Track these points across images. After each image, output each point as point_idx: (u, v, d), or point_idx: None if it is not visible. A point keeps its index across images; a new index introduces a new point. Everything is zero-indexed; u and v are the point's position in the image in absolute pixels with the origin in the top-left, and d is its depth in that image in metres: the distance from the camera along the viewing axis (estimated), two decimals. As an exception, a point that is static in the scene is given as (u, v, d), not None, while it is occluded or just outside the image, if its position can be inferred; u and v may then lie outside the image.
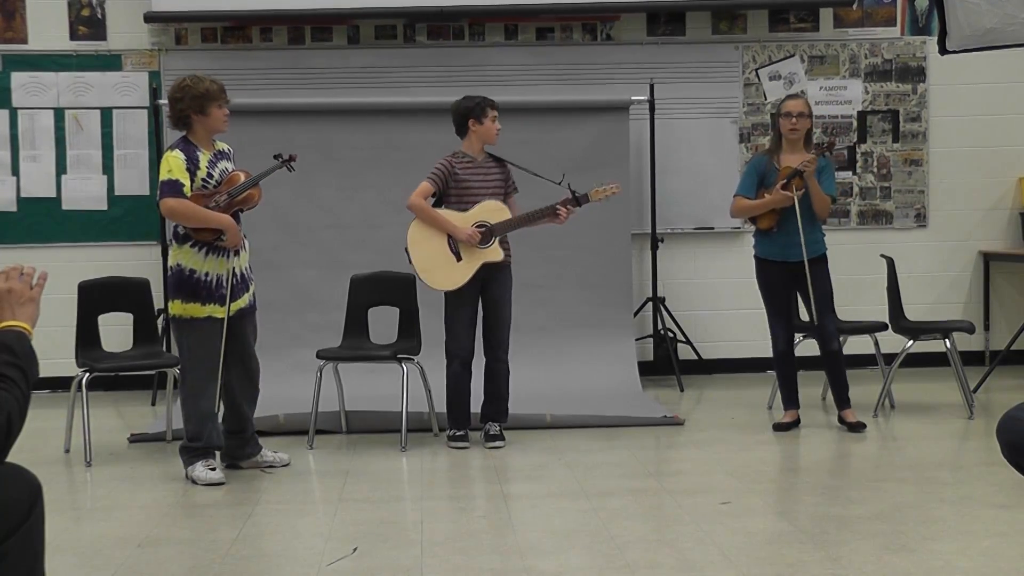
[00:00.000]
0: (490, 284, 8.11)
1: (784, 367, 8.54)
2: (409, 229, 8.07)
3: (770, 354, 8.49)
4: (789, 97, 8.56)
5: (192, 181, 7.08)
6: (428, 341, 8.55)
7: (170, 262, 7.24)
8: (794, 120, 8.24)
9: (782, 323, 8.46)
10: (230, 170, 7.30)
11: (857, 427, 8.29)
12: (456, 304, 8.11)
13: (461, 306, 8.10)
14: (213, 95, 7.20)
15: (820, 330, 8.37)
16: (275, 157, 7.56)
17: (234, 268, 7.22)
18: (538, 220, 8.11)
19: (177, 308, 7.17)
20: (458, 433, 8.19)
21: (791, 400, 8.55)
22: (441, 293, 8.15)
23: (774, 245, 8.33)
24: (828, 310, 8.37)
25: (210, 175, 7.16)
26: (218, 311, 7.17)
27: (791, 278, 8.32)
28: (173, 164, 7.06)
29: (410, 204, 8.04)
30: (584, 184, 8.23)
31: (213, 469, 7.18)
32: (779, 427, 8.45)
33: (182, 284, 7.13)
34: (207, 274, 7.13)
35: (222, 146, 7.40)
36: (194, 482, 7.12)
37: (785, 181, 8.12)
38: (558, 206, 8.06)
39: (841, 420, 8.40)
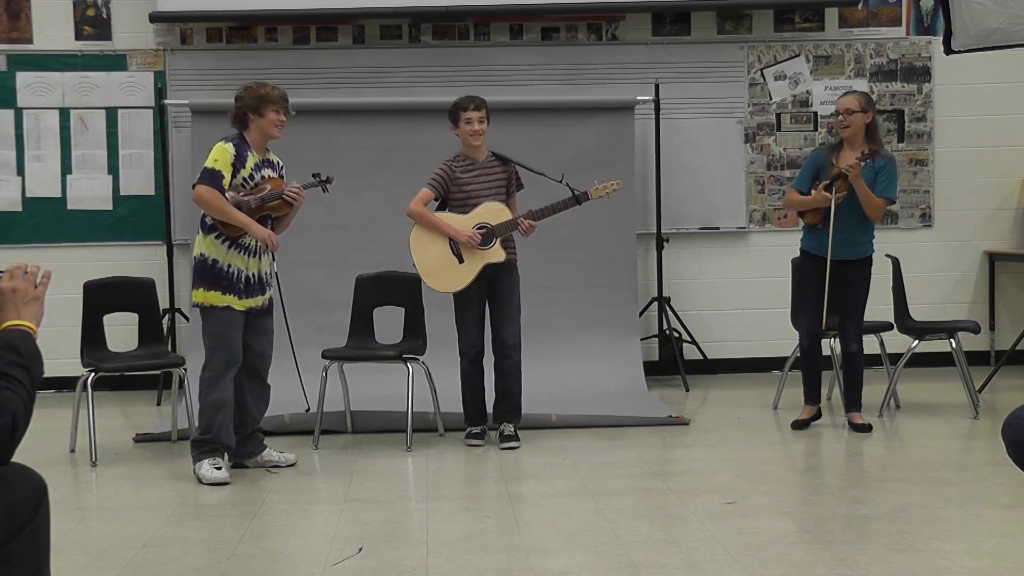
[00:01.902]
0: (496, 283, 8.12)
1: (806, 363, 8.53)
2: (411, 234, 8.10)
3: (775, 354, 8.45)
4: (844, 93, 8.42)
5: (233, 177, 7.19)
6: (433, 341, 8.56)
7: (194, 251, 7.33)
8: (841, 117, 8.19)
9: (807, 319, 8.40)
10: (270, 177, 7.40)
11: (863, 428, 8.28)
12: (463, 304, 8.14)
13: (468, 306, 8.13)
14: (272, 99, 7.33)
15: (841, 331, 8.35)
16: (314, 176, 7.72)
17: (250, 267, 7.30)
18: (544, 216, 8.13)
19: (199, 296, 7.27)
20: (474, 431, 8.21)
21: (812, 396, 8.55)
22: (447, 293, 8.18)
23: (817, 240, 8.26)
24: (854, 313, 8.30)
25: (252, 177, 7.29)
26: (236, 303, 7.26)
27: (829, 275, 8.26)
28: (221, 155, 7.18)
29: (409, 211, 8.09)
30: (588, 184, 8.22)
31: (219, 468, 7.19)
32: (797, 424, 8.46)
33: (205, 272, 7.24)
34: (229, 266, 7.24)
35: (273, 157, 7.54)
36: (200, 480, 7.13)
37: (828, 182, 8.09)
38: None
39: (849, 421, 8.39)
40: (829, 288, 8.21)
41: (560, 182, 8.16)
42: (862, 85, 11.04)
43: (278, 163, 7.58)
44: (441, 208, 8.16)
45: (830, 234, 8.08)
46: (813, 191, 8.21)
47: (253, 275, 7.35)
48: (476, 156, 8.16)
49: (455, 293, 8.12)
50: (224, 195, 7.13)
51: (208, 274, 7.22)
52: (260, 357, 7.50)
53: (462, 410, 8.31)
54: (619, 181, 8.32)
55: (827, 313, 8.28)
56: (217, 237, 7.21)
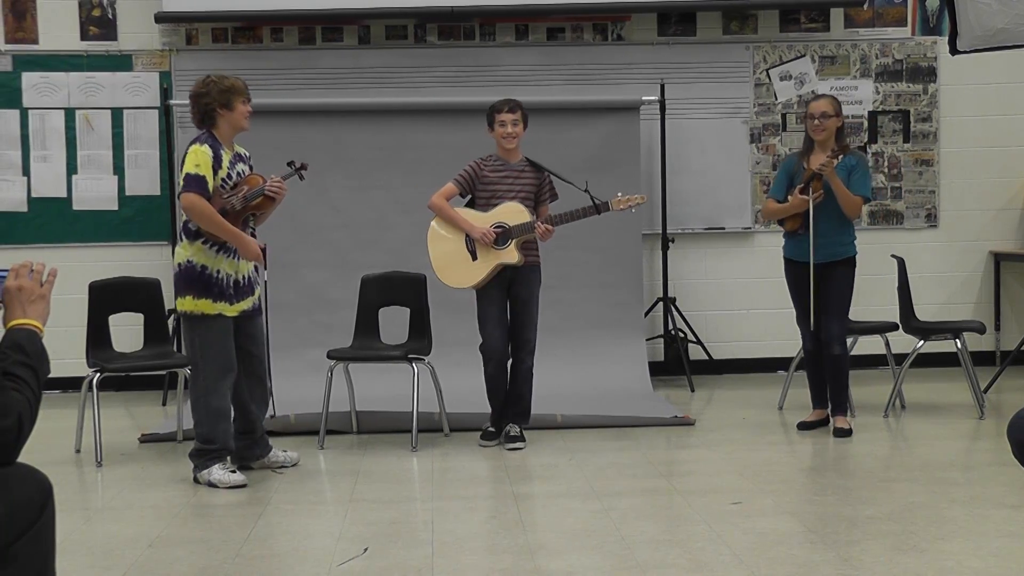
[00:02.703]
0: (516, 285, 8.12)
1: (810, 366, 8.45)
2: (429, 227, 8.11)
3: (780, 354, 8.41)
4: (815, 98, 8.42)
5: (213, 179, 7.05)
6: (439, 341, 8.56)
7: (178, 259, 7.18)
8: (817, 122, 8.13)
9: (807, 323, 8.31)
10: (248, 172, 7.31)
11: (843, 433, 8.17)
12: (484, 305, 8.13)
13: (489, 306, 8.11)
14: (238, 90, 7.21)
15: (824, 333, 8.21)
16: (288, 164, 7.56)
17: (239, 271, 7.24)
18: (563, 223, 8.13)
19: (188, 304, 7.11)
20: (490, 430, 8.22)
21: (818, 399, 8.46)
22: (453, 293, 8.18)
23: (799, 246, 8.21)
24: (836, 314, 8.19)
25: (229, 176, 7.15)
26: (228, 309, 7.16)
27: (815, 278, 8.18)
28: (201, 159, 7.02)
29: (430, 203, 8.11)
30: (597, 185, 8.21)
31: (233, 471, 7.15)
32: (803, 425, 8.41)
33: (193, 280, 7.09)
34: (218, 272, 7.11)
35: (240, 149, 7.40)
36: (213, 486, 7.04)
37: (803, 184, 8.06)
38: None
39: (832, 424, 8.33)
40: (815, 292, 8.16)
41: (584, 191, 8.15)
42: (867, 85, 11.05)
43: (247, 155, 7.45)
44: (469, 205, 8.16)
45: (811, 236, 8.03)
46: (789, 197, 8.18)
47: (243, 277, 7.25)
48: (509, 159, 8.15)
49: (478, 294, 8.12)
50: (210, 202, 7.02)
51: (197, 281, 7.08)
52: (257, 360, 7.43)
53: (476, 411, 8.34)
54: (643, 196, 8.33)
55: (815, 316, 8.23)
56: (204, 243, 7.08)
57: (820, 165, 7.93)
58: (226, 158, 7.16)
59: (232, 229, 7.06)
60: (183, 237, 7.19)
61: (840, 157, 7.96)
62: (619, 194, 8.23)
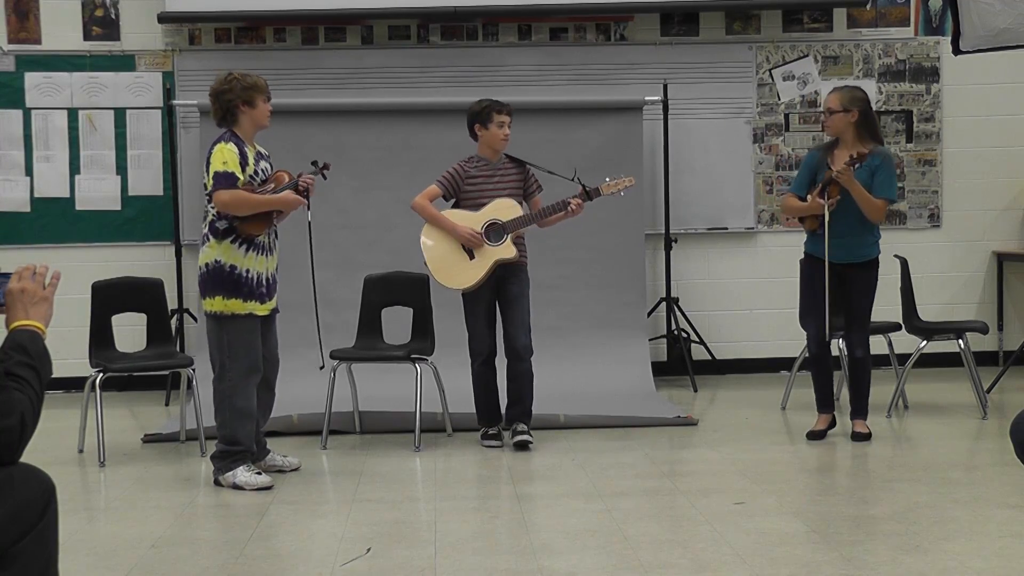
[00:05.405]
0: (506, 285, 8.09)
1: (816, 369, 8.19)
2: (423, 230, 8.09)
3: (783, 354, 8.32)
4: (831, 90, 8.05)
5: (242, 176, 7.02)
6: (442, 341, 8.56)
7: (205, 259, 7.09)
8: (824, 116, 7.98)
9: (813, 322, 8.05)
10: (271, 170, 7.29)
11: (862, 437, 8.06)
12: (473, 304, 8.11)
13: (478, 306, 8.10)
14: (260, 88, 7.18)
15: (847, 337, 8.13)
16: (312, 163, 7.53)
17: (267, 269, 7.20)
18: (551, 215, 8.10)
19: (217, 304, 7.05)
20: (490, 431, 8.21)
21: (824, 404, 8.23)
22: (455, 293, 8.17)
23: (822, 243, 7.87)
24: (858, 319, 8.01)
25: (256, 173, 7.11)
26: (258, 308, 7.12)
27: (833, 278, 7.90)
28: (229, 157, 6.99)
29: (413, 204, 8.09)
30: (598, 183, 8.21)
31: (259, 473, 7.11)
32: (813, 435, 8.14)
33: (223, 280, 7.03)
34: (248, 271, 7.06)
35: (260, 147, 7.36)
36: (239, 488, 6.98)
37: (821, 188, 7.84)
38: (570, 199, 8.04)
39: (852, 428, 8.20)
40: (832, 293, 7.91)
41: (572, 180, 8.16)
42: (870, 85, 11.03)
43: (266, 154, 7.40)
44: (456, 208, 8.15)
45: (826, 240, 7.79)
46: (809, 196, 7.94)
47: (271, 275, 7.22)
48: (492, 158, 8.15)
49: (464, 294, 8.11)
50: None
51: (227, 281, 7.03)
52: (271, 363, 7.39)
53: (475, 411, 8.30)
54: (631, 178, 8.32)
55: (831, 318, 7.97)
56: (233, 241, 7.04)
57: (836, 173, 7.69)
58: (251, 155, 7.13)
59: (272, 198, 7.04)
60: (210, 237, 7.10)
61: (857, 165, 7.66)
62: (607, 179, 8.22)
